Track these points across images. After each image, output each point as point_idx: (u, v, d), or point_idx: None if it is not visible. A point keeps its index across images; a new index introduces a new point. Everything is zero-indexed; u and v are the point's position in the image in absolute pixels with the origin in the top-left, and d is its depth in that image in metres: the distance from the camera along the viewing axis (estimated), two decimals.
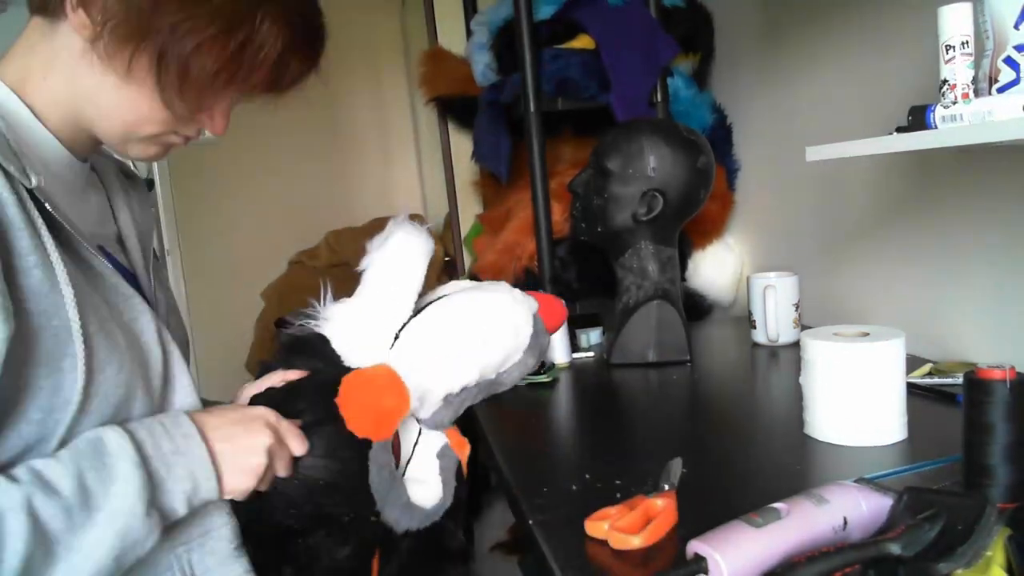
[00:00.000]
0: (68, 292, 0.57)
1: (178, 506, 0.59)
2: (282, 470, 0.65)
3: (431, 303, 0.78)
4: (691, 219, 1.30)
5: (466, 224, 2.48)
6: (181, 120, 0.67)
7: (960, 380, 0.73)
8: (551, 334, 0.85)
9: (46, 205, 0.59)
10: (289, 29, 0.66)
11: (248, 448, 0.63)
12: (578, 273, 1.56)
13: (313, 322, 0.75)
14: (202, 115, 0.68)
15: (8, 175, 0.56)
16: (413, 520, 0.74)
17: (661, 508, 0.68)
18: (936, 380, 0.99)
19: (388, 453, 0.71)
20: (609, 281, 1.33)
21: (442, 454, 0.78)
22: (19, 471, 0.54)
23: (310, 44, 0.69)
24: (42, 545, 0.52)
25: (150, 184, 3.28)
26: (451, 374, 0.75)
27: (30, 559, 0.51)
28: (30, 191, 0.58)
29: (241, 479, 0.63)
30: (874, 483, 0.66)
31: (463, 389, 0.76)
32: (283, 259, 3.11)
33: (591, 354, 1.35)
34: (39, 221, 0.57)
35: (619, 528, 0.65)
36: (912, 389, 0.91)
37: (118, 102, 0.64)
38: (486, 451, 0.98)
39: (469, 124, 1.90)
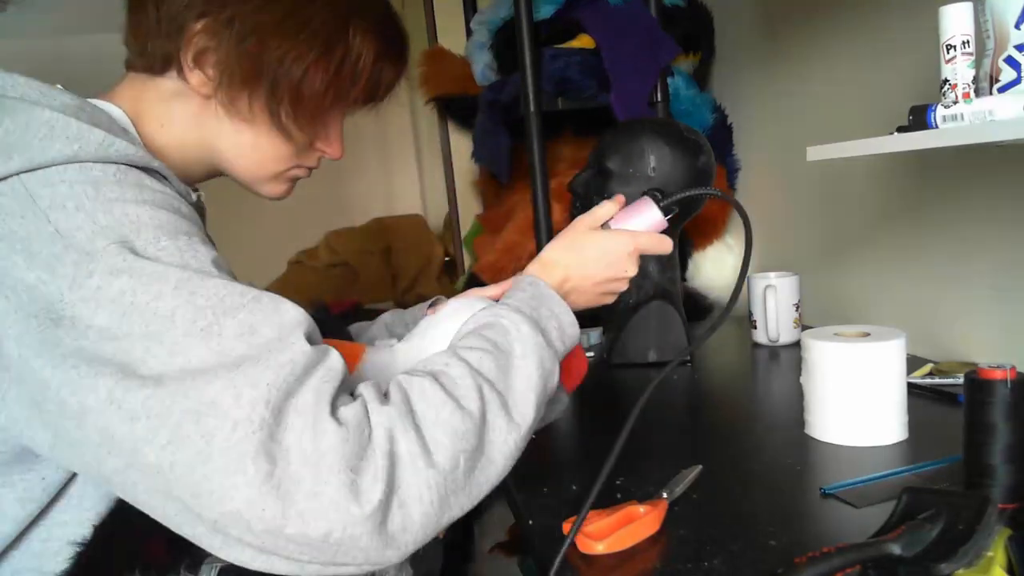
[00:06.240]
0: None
1: (557, 344, 0.64)
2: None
3: None
4: (691, 219, 1.30)
5: (466, 224, 2.48)
6: (301, 151, 0.70)
7: (961, 380, 0.73)
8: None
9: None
10: (377, 37, 0.68)
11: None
12: None
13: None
14: (318, 142, 0.71)
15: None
16: None
17: (641, 516, 0.66)
18: (937, 380, 0.99)
19: None
20: None
21: None
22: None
23: (398, 49, 0.71)
24: (487, 385, 0.56)
25: None
26: None
27: (482, 392, 0.55)
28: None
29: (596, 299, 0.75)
30: None
31: None
32: (283, 259, 3.12)
33: (591, 354, 1.34)
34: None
35: (587, 533, 0.64)
36: (913, 389, 0.91)
37: (240, 144, 0.67)
38: None
39: (469, 124, 1.90)
